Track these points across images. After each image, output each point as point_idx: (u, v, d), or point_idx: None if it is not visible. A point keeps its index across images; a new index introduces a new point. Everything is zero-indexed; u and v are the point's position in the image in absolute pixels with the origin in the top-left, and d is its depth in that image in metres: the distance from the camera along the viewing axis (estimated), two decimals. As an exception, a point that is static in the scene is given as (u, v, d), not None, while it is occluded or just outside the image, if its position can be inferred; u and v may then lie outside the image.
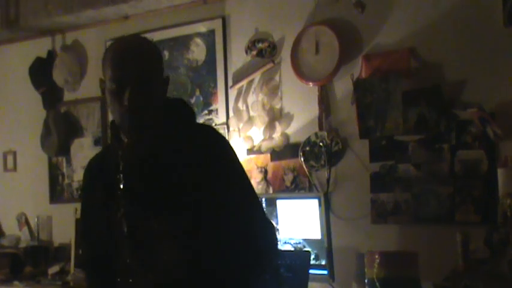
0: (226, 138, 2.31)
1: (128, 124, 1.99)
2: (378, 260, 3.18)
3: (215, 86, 4.22)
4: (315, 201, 3.49)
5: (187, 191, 2.01)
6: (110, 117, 4.62)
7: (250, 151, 4.03)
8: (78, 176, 4.84)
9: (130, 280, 1.99)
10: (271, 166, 3.97)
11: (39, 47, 5.05)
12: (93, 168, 2.25)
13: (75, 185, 4.91)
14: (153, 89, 2.01)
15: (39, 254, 4.85)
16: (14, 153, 5.28)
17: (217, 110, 4.22)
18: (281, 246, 3.54)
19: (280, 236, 3.58)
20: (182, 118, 2.14)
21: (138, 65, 1.99)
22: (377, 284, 3.15)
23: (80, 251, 2.67)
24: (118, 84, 1.97)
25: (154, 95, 2.02)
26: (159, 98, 2.06)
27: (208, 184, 2.01)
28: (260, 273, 2.13)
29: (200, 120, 4.20)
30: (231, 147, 2.19)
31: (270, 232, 2.18)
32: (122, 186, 1.97)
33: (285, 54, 3.92)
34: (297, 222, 3.58)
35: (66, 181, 4.97)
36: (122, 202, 1.97)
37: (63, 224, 4.85)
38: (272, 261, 2.25)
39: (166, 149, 2.05)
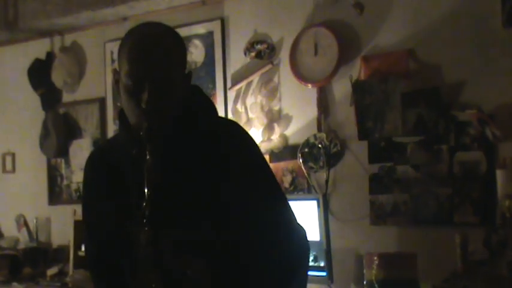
0: (250, 134, 2.07)
1: (146, 129, 1.73)
2: (376, 262, 3.17)
3: (214, 88, 4.22)
4: (314, 203, 3.48)
5: (211, 195, 1.82)
6: (109, 119, 4.67)
7: (249, 152, 4.02)
8: (77, 177, 4.84)
9: (142, 277, 1.75)
10: (270, 167, 3.97)
11: (38, 49, 5.05)
12: (96, 160, 2.02)
13: (74, 186, 4.91)
14: (175, 87, 1.77)
15: (38, 255, 4.85)
16: (13, 155, 5.28)
17: (216, 111, 4.21)
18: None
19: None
20: (204, 113, 1.94)
21: (159, 61, 1.74)
22: (376, 285, 3.15)
23: (84, 251, 2.45)
24: (135, 81, 1.73)
25: (175, 93, 1.78)
26: (180, 96, 1.82)
27: (233, 188, 1.82)
28: (287, 283, 1.89)
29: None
30: (256, 145, 1.99)
31: (303, 239, 1.94)
32: (147, 193, 1.73)
33: (284, 55, 3.92)
34: (296, 223, 3.57)
35: (65, 182, 4.97)
36: (145, 207, 1.73)
37: (61, 226, 4.85)
38: (303, 273, 1.97)
39: (189, 149, 1.85)
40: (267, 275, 1.82)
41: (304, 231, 1.95)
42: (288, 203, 1.96)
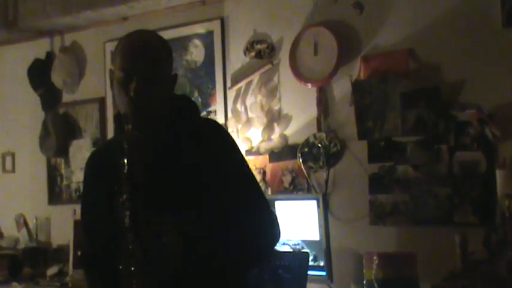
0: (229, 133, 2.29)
1: (132, 114, 1.97)
2: (376, 261, 3.18)
3: (213, 87, 4.22)
4: (314, 203, 3.49)
5: (192, 184, 2.01)
6: (109, 118, 4.67)
7: (248, 152, 4.03)
8: (77, 177, 4.84)
9: (132, 268, 1.92)
10: (269, 167, 3.97)
11: (38, 49, 5.05)
12: (95, 160, 2.24)
13: (73, 186, 4.91)
14: (161, 83, 2.02)
15: (38, 255, 4.84)
16: (13, 155, 5.28)
17: (215, 111, 4.22)
18: (280, 247, 3.53)
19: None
20: (187, 113, 2.15)
21: (148, 57, 2.01)
22: (375, 285, 3.15)
23: (80, 251, 2.60)
24: (126, 73, 1.98)
25: (160, 89, 2.02)
26: (165, 93, 2.07)
27: (213, 180, 2.02)
28: (258, 265, 2.15)
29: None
30: (234, 141, 2.19)
31: (274, 223, 2.15)
32: (125, 171, 1.92)
33: (284, 55, 3.93)
34: (296, 223, 3.58)
35: (65, 182, 4.97)
36: (124, 188, 1.92)
37: (61, 225, 4.84)
38: (271, 254, 2.23)
39: (172, 143, 2.06)
40: (234, 252, 2.01)
41: (276, 216, 2.19)
42: (264, 195, 2.20)
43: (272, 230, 2.13)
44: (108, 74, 2.10)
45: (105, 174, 2.08)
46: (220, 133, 2.18)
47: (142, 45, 2.04)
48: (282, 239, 3.55)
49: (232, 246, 2.00)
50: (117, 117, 2.13)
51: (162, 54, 2.06)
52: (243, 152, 3.97)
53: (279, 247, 3.53)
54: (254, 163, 3.99)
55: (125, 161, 1.92)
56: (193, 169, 2.03)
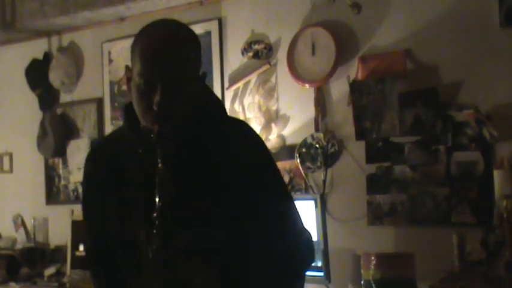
0: (259, 134, 2.05)
1: (157, 132, 1.71)
2: (374, 262, 3.18)
3: (211, 88, 4.21)
4: (311, 203, 3.49)
5: (220, 200, 1.79)
6: (107, 119, 4.66)
7: (246, 152, 4.02)
8: (75, 177, 4.84)
9: (149, 281, 1.76)
10: (267, 168, 3.96)
11: (36, 49, 5.04)
12: (98, 156, 1.99)
13: (71, 186, 4.90)
14: (188, 89, 1.73)
15: (36, 255, 4.84)
16: (10, 155, 5.27)
17: (213, 111, 4.21)
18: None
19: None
20: (215, 114, 1.90)
21: (173, 62, 1.70)
22: (373, 285, 3.15)
23: (85, 250, 2.39)
24: (147, 81, 1.70)
25: (187, 95, 1.74)
26: (192, 98, 1.77)
27: (243, 188, 1.79)
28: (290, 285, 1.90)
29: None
30: (265, 146, 1.98)
31: (309, 243, 1.94)
32: (157, 187, 1.72)
33: (281, 55, 3.92)
34: (293, 223, 3.57)
35: (63, 182, 4.96)
36: (157, 205, 1.72)
37: (59, 226, 4.84)
38: (303, 276, 1.95)
39: (200, 148, 1.81)
40: (273, 277, 1.81)
41: (310, 234, 1.94)
42: (295, 205, 1.92)
43: (308, 250, 1.93)
44: (124, 70, 1.82)
45: (112, 174, 1.88)
46: (252, 137, 1.94)
47: (167, 45, 1.71)
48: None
49: (259, 263, 1.80)
50: (129, 110, 1.84)
51: (190, 54, 1.75)
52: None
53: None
54: (252, 163, 3.99)
55: (157, 179, 1.71)
56: (224, 180, 1.79)
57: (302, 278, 1.93)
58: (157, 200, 1.71)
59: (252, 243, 1.78)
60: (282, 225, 1.84)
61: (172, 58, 1.70)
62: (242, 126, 1.97)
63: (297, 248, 1.86)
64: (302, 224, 1.91)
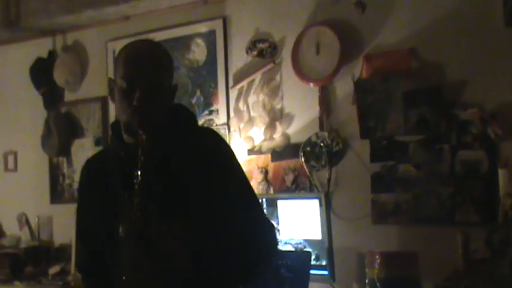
0: (226, 140, 2.34)
1: (136, 124, 1.97)
2: (378, 260, 3.18)
3: (216, 86, 4.22)
4: (316, 202, 3.49)
5: (194, 193, 2.02)
6: (111, 118, 4.67)
7: (250, 151, 4.03)
8: (79, 176, 4.84)
9: (137, 278, 1.98)
10: (271, 166, 3.97)
11: (40, 48, 5.05)
12: (92, 167, 2.25)
13: (75, 185, 4.90)
14: (162, 93, 2.03)
15: (40, 254, 4.85)
16: (15, 154, 5.29)
17: (218, 110, 4.22)
18: (282, 247, 3.54)
19: (281, 236, 3.58)
20: (185, 122, 2.16)
21: (151, 67, 2.01)
22: (378, 284, 3.15)
23: (76, 253, 2.69)
24: (129, 83, 1.98)
25: (162, 99, 2.03)
26: (166, 103, 2.07)
27: (211, 187, 2.04)
28: (259, 272, 2.16)
29: (201, 120, 4.21)
30: (231, 150, 2.22)
31: (270, 232, 2.20)
32: (138, 181, 1.94)
33: (286, 54, 3.93)
34: (298, 222, 3.58)
35: (67, 181, 4.98)
36: (136, 198, 1.94)
37: (63, 224, 4.85)
38: (271, 261, 2.28)
39: (175, 152, 2.07)
40: (242, 260, 2.06)
41: (272, 225, 2.24)
42: (260, 203, 2.33)
43: (267, 232, 2.19)
44: (107, 83, 2.09)
45: (103, 183, 2.12)
46: (219, 142, 2.19)
47: (145, 53, 2.04)
48: (284, 238, 3.57)
49: (231, 252, 2.04)
50: (115, 126, 2.13)
51: (164, 63, 2.06)
52: (245, 152, 4.02)
53: (281, 247, 3.53)
54: (256, 162, 4.00)
55: (139, 172, 1.93)
56: (195, 180, 2.03)
57: (264, 266, 2.24)
58: (139, 165, 1.94)
59: (218, 234, 2.03)
60: (245, 219, 2.09)
61: (150, 64, 2.01)
62: (209, 133, 2.24)
63: (258, 238, 2.12)
64: (264, 217, 2.23)
